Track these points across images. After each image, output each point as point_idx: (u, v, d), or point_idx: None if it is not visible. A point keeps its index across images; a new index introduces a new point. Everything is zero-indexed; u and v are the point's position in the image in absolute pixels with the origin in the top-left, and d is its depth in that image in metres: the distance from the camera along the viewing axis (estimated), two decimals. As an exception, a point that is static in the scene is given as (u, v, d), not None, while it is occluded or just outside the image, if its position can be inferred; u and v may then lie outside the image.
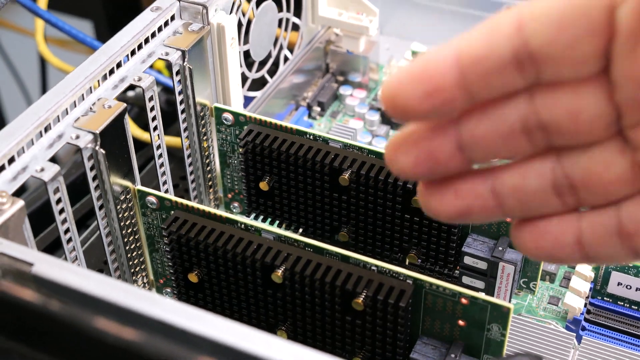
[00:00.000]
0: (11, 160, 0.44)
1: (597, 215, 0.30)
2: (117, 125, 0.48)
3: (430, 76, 0.28)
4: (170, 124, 0.71)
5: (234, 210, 0.61)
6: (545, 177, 0.30)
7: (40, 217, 0.62)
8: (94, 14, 1.11)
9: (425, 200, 0.31)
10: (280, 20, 0.65)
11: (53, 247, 0.67)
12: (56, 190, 0.45)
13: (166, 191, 0.56)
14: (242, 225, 0.48)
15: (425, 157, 0.30)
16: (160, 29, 0.53)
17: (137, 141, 0.74)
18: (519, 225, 0.31)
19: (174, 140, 0.69)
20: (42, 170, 0.44)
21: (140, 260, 0.54)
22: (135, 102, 0.80)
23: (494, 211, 0.31)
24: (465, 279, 0.52)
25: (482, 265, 0.51)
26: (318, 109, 0.71)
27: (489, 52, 0.28)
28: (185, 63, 0.53)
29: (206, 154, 0.58)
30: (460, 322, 0.45)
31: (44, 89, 1.25)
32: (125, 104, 0.48)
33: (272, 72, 0.66)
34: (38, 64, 1.23)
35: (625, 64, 0.27)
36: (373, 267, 0.45)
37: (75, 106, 0.48)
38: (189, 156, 0.57)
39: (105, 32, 1.10)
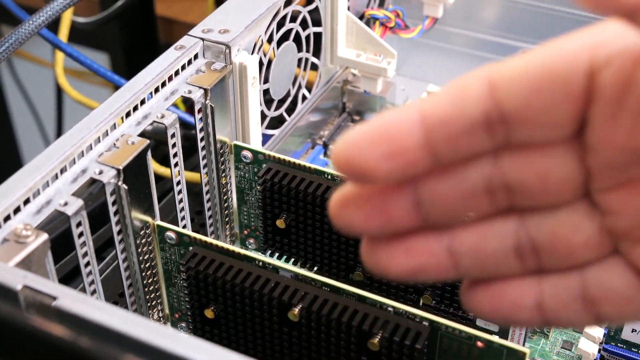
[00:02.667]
0: (36, 194, 0.45)
1: (560, 279, 0.29)
2: (139, 161, 0.49)
3: (392, 137, 0.26)
4: (185, 158, 0.72)
5: (249, 247, 0.61)
6: (507, 238, 0.28)
7: (54, 248, 0.63)
8: (111, 46, 1.13)
9: (370, 257, 0.29)
10: (299, 60, 0.66)
11: (69, 278, 0.67)
12: (79, 224, 0.46)
13: (184, 226, 0.57)
14: (260, 263, 0.49)
15: (377, 214, 0.28)
16: (183, 67, 0.54)
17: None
18: (473, 285, 0.30)
19: (190, 175, 0.69)
20: (66, 204, 0.45)
21: (157, 294, 0.55)
22: (152, 135, 0.81)
23: (449, 271, 0.29)
24: (480, 322, 0.53)
25: (497, 308, 0.51)
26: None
27: (459, 113, 0.26)
28: (207, 101, 0.54)
29: (224, 190, 0.59)
30: (476, 366, 0.45)
31: (59, 120, 1.27)
32: (148, 141, 0.49)
33: (290, 110, 0.67)
34: (54, 95, 1.25)
35: (603, 129, 0.26)
36: (390, 308, 0.45)
37: (99, 142, 0.48)
38: (207, 192, 0.58)
39: (122, 64, 1.12)
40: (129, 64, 1.11)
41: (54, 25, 0.85)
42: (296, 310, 0.46)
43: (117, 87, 0.73)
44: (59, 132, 1.29)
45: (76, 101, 0.88)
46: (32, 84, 1.43)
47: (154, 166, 0.74)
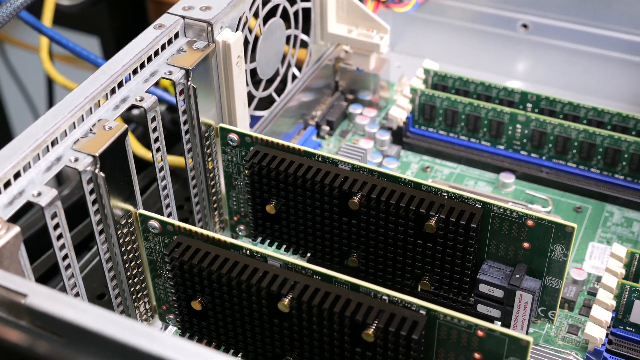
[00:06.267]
0: (7, 185, 0.42)
1: None
2: (117, 147, 0.46)
3: None
4: (176, 143, 0.70)
5: (240, 234, 0.59)
6: None
7: (43, 239, 0.60)
8: (101, 30, 1.10)
9: None
10: (288, 38, 0.63)
11: (55, 271, 0.65)
12: (54, 216, 0.43)
13: (169, 215, 0.54)
14: (248, 252, 0.46)
15: None
16: (163, 47, 0.52)
17: (142, 161, 0.72)
18: None
19: (179, 160, 0.67)
20: (39, 194, 0.43)
21: (143, 285, 0.52)
22: (140, 120, 0.79)
23: None
24: (481, 307, 0.50)
25: (499, 293, 0.49)
26: (327, 128, 0.69)
27: None
28: (189, 82, 0.51)
29: (211, 175, 0.57)
30: (476, 355, 0.43)
31: (51, 106, 1.24)
32: (126, 125, 0.46)
33: (280, 90, 0.64)
34: (45, 81, 1.22)
35: None
36: (384, 297, 0.43)
37: (74, 127, 0.46)
38: (193, 178, 0.55)
39: (113, 48, 1.09)
40: (120, 47, 1.09)
41: (38, 9, 0.82)
42: (286, 300, 0.44)
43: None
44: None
45: (63, 86, 0.86)
46: (24, 70, 1.40)
47: (142, 152, 0.71)
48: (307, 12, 0.65)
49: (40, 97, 1.38)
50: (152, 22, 1.12)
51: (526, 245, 0.48)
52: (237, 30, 0.55)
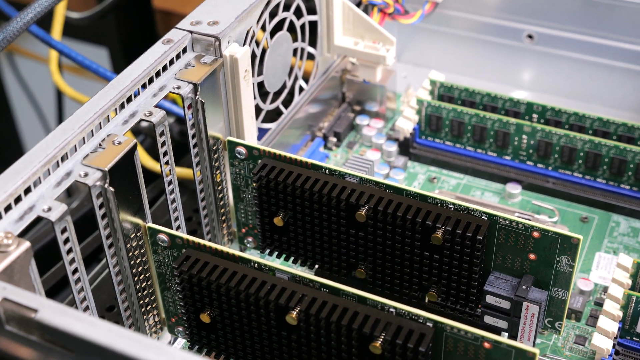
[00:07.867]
0: (18, 200, 0.43)
1: None
2: (126, 162, 0.47)
3: None
4: (185, 154, 0.70)
5: (248, 245, 0.59)
6: None
7: (53, 251, 0.61)
8: (110, 41, 1.11)
9: None
10: (295, 50, 0.64)
11: (64, 282, 0.65)
12: (64, 230, 0.44)
13: (178, 227, 0.54)
14: (256, 265, 0.47)
15: None
16: (172, 62, 0.52)
17: (151, 172, 0.73)
18: None
19: (188, 172, 0.67)
20: (50, 209, 0.43)
21: (152, 298, 0.53)
22: (149, 132, 0.79)
23: None
24: (488, 319, 0.50)
25: (505, 304, 0.49)
26: (334, 139, 0.70)
27: None
28: (197, 96, 0.52)
29: (219, 188, 0.57)
30: (483, 367, 0.43)
31: (60, 118, 1.25)
32: (135, 140, 0.47)
33: (287, 102, 0.65)
34: (55, 92, 1.23)
35: None
36: (391, 309, 0.43)
37: (84, 142, 0.46)
38: (201, 190, 0.56)
39: (121, 59, 1.10)
40: (129, 58, 1.09)
41: (47, 22, 0.83)
42: (294, 313, 0.44)
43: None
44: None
45: (72, 98, 0.86)
46: (34, 81, 1.41)
47: (151, 164, 0.72)
48: (313, 25, 0.65)
49: (49, 108, 1.39)
50: (160, 33, 1.13)
51: (532, 256, 0.49)
52: (244, 44, 0.55)
